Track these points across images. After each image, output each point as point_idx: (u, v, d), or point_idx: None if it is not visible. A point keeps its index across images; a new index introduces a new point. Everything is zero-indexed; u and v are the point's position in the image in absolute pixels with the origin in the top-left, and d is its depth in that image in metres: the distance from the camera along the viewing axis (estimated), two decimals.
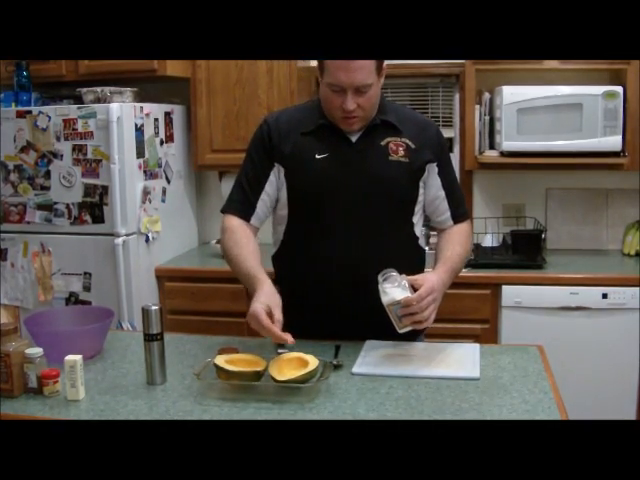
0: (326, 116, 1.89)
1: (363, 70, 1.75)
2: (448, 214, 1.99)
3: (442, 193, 1.96)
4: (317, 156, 1.88)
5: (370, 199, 1.87)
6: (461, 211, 2.02)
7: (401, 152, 1.88)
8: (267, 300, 1.69)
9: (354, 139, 1.89)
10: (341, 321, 1.91)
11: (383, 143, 1.89)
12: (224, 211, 1.98)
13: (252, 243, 1.91)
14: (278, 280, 2.05)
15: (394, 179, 1.88)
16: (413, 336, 1.95)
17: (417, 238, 1.99)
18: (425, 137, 1.93)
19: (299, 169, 1.90)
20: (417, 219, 1.98)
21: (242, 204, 1.95)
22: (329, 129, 1.89)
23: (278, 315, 1.67)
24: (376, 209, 1.88)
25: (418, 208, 1.96)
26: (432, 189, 1.95)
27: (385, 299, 1.71)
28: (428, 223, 3.46)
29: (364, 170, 1.87)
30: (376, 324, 1.79)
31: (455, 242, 1.95)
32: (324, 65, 1.80)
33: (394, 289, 1.71)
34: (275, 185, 1.94)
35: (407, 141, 1.90)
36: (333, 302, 1.90)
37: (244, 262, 1.85)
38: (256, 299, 1.70)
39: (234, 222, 1.94)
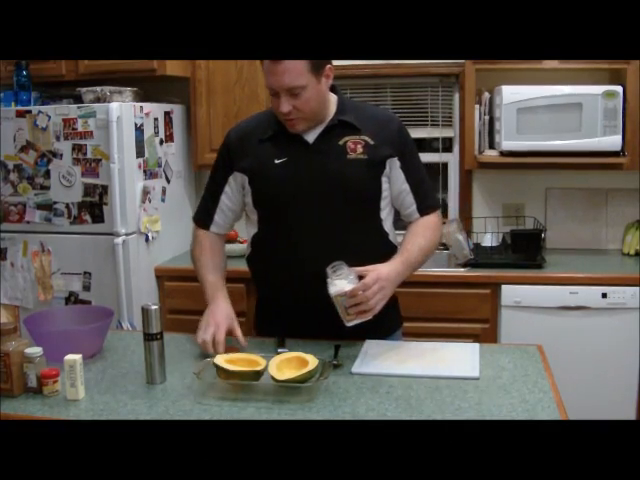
0: None
1: (290, 72, 1.76)
2: (414, 207, 1.98)
3: (406, 187, 1.95)
4: (276, 161, 1.91)
5: (331, 198, 1.88)
6: (428, 203, 1.99)
7: (359, 149, 1.89)
8: (229, 322, 1.89)
9: (311, 141, 1.91)
10: (313, 321, 1.91)
11: (341, 142, 1.89)
12: (193, 219, 2.13)
13: (217, 256, 2.05)
14: (253, 280, 2.08)
15: (353, 177, 1.88)
16: (383, 335, 1.97)
17: (387, 234, 1.99)
18: (385, 133, 1.92)
19: (260, 175, 1.93)
20: (385, 215, 1.97)
21: (202, 214, 2.08)
22: (286, 134, 1.91)
23: (241, 337, 1.90)
24: (339, 208, 1.89)
25: (385, 204, 1.96)
26: (396, 184, 1.95)
27: (332, 290, 1.72)
28: None
29: (323, 170, 1.88)
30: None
31: (418, 234, 1.95)
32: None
33: (341, 281, 1.72)
34: (234, 194, 2.00)
35: (366, 138, 1.90)
36: (304, 302, 1.90)
37: (206, 275, 2.01)
38: (215, 315, 1.89)
39: (200, 232, 2.08)
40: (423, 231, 1.96)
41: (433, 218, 2.00)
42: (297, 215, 1.90)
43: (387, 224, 1.99)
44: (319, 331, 1.91)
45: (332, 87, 1.97)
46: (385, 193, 1.95)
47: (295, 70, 1.76)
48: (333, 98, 1.95)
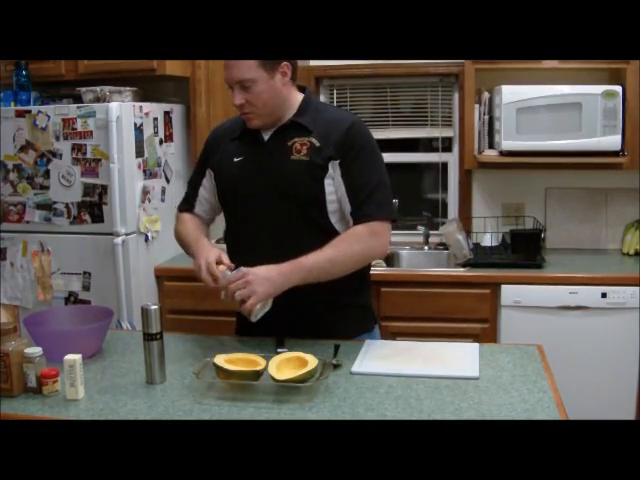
0: None
1: (240, 66, 1.81)
2: (350, 213, 1.91)
3: (344, 191, 1.90)
4: (235, 159, 1.96)
5: (277, 198, 1.90)
6: (365, 212, 1.88)
7: (304, 151, 1.89)
8: (213, 250, 1.88)
9: (266, 140, 1.94)
10: (277, 322, 1.89)
11: (290, 143, 1.91)
12: (178, 209, 2.20)
13: (197, 222, 2.11)
14: None
15: (293, 178, 1.88)
16: (350, 335, 1.99)
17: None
18: (332, 134, 1.89)
19: (222, 173, 2.01)
20: (337, 219, 1.93)
21: (184, 204, 2.16)
22: (250, 133, 1.95)
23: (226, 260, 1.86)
24: (284, 208, 1.89)
25: (334, 207, 1.92)
26: (338, 186, 1.90)
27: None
28: (425, 223, 3.50)
29: (270, 170, 1.91)
30: (314, 324, 1.87)
31: (331, 244, 1.85)
32: None
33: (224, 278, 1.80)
34: (210, 189, 2.08)
35: (313, 140, 1.90)
36: None
37: (188, 237, 2.04)
38: (201, 255, 1.88)
39: (183, 214, 2.15)
40: (338, 241, 1.87)
41: (362, 229, 1.87)
42: (249, 213, 1.94)
43: (340, 225, 1.94)
44: (282, 329, 1.92)
45: (303, 88, 1.98)
46: (331, 196, 1.90)
47: (245, 64, 1.81)
48: (299, 97, 1.95)
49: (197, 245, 1.95)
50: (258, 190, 1.92)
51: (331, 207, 1.92)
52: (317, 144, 1.89)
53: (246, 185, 1.93)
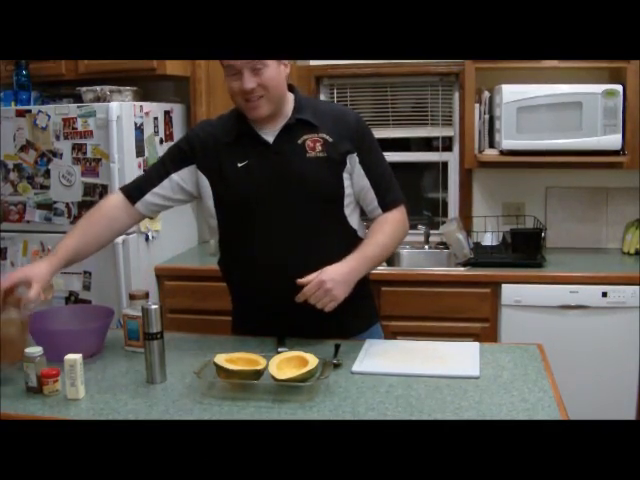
0: (245, 122, 1.90)
1: None
2: (376, 203, 1.96)
3: (367, 182, 1.93)
4: (239, 165, 1.89)
5: (294, 199, 1.87)
6: (390, 199, 1.97)
7: (318, 148, 1.88)
8: (29, 273, 1.86)
9: (271, 141, 1.89)
10: (286, 322, 1.91)
11: (300, 141, 1.89)
12: (120, 189, 2.04)
13: (98, 226, 2.00)
14: (226, 283, 2.07)
15: (314, 176, 1.87)
16: (356, 332, 2.00)
17: (354, 230, 1.97)
18: (342, 128, 1.91)
19: (223, 180, 1.91)
20: (350, 211, 1.95)
21: (133, 189, 2.00)
22: (248, 136, 1.90)
23: (33, 292, 1.83)
24: (302, 207, 1.88)
25: (349, 201, 1.94)
26: (358, 179, 1.93)
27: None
28: (425, 222, 3.50)
29: (284, 171, 1.87)
30: (320, 323, 1.85)
31: (376, 230, 1.94)
32: None
33: None
34: (178, 186, 1.95)
35: (324, 136, 1.89)
36: (274, 303, 1.89)
37: (71, 231, 2.01)
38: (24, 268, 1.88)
39: (111, 198, 2.03)
40: (382, 228, 1.94)
41: (396, 214, 1.97)
42: (262, 217, 1.89)
43: (353, 220, 1.97)
44: (290, 329, 1.92)
45: (290, 87, 1.96)
46: (348, 190, 1.93)
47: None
48: (291, 97, 1.94)
49: (53, 252, 1.95)
50: (269, 192, 1.87)
51: (347, 201, 1.94)
52: (330, 139, 1.89)
53: (255, 189, 1.88)
